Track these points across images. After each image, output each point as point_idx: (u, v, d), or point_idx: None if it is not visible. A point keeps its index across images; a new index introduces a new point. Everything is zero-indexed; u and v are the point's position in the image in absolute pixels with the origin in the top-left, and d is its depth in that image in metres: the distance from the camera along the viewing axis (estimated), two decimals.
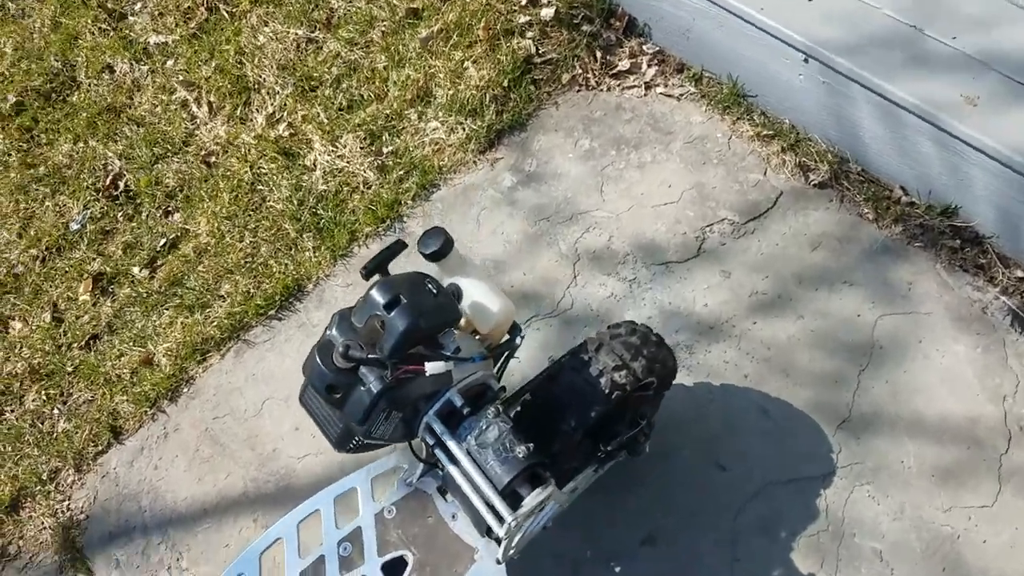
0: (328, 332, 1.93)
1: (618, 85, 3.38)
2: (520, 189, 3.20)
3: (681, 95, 3.31)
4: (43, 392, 3.13)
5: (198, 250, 3.30)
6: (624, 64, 3.42)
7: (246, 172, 3.41)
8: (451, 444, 2.01)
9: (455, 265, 2.09)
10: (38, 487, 2.97)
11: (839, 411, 2.66)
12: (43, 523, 2.91)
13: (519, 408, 2.28)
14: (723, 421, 2.68)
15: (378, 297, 1.86)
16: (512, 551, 2.18)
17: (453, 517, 2.27)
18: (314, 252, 3.18)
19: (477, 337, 2.11)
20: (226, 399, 3.00)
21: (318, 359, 1.90)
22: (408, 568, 2.22)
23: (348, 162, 3.33)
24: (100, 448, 3.00)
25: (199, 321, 3.13)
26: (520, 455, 1.96)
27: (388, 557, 2.23)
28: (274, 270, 3.18)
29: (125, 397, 3.05)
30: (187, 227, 3.38)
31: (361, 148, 3.34)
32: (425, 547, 2.24)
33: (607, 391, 2.15)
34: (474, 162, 3.29)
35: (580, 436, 2.19)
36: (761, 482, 2.58)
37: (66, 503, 2.94)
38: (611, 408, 2.17)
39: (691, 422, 2.68)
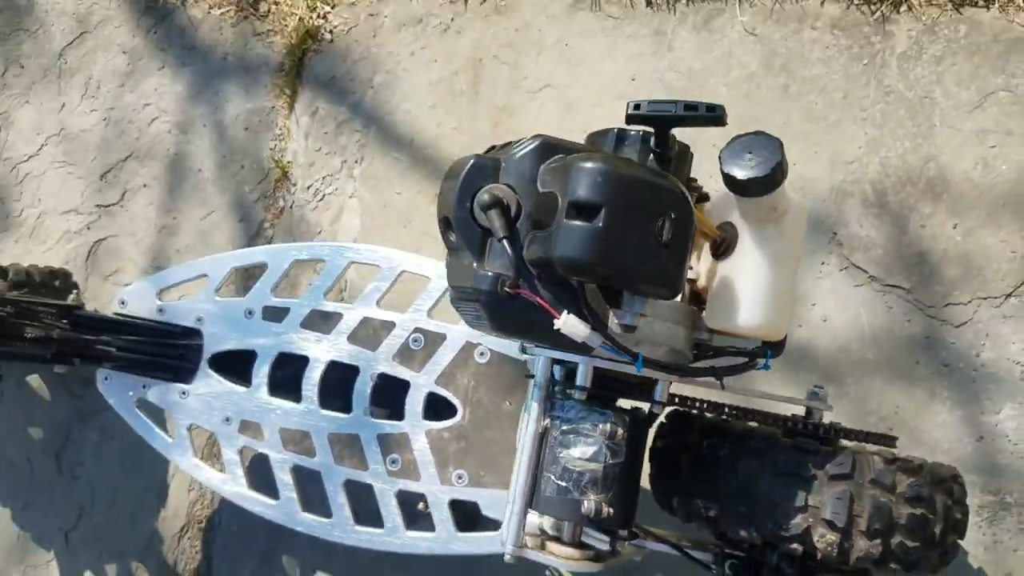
0: (515, 152, 1.19)
1: None
2: None
3: None
4: None
5: None
6: None
7: None
8: (533, 407, 1.32)
9: (759, 211, 1.20)
10: None
11: None
12: (296, 11, 2.51)
13: (662, 441, 1.47)
14: None
15: (582, 186, 1.09)
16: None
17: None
18: None
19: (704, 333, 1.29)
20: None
21: (463, 176, 1.19)
22: (455, 418, 1.66)
23: None
24: None
25: None
26: (586, 506, 1.24)
27: (441, 391, 1.68)
28: None
29: None
30: None
31: None
32: (478, 422, 1.66)
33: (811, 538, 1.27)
34: None
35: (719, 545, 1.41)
36: None
37: (328, 10, 2.49)
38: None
39: None
